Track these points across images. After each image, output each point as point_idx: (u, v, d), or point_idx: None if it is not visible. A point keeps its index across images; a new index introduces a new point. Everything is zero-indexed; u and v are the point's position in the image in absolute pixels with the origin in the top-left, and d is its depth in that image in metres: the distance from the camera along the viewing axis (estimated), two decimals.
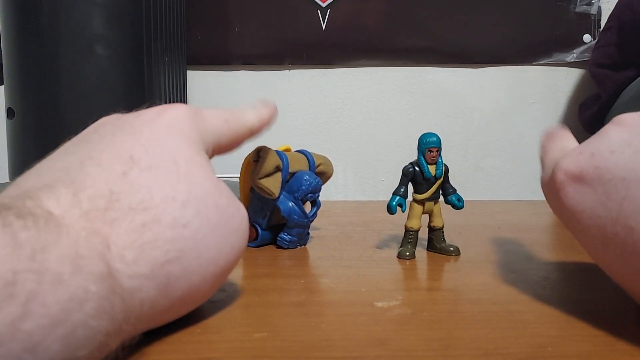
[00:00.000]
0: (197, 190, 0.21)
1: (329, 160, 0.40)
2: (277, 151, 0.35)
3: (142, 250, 0.18)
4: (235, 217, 0.23)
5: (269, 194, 0.34)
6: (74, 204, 0.17)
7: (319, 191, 0.36)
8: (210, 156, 0.25)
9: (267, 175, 0.34)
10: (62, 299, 0.15)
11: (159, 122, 0.22)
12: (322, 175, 0.39)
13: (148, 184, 0.19)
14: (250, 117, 0.28)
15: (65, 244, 0.16)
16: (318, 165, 0.38)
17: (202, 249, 0.20)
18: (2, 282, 0.14)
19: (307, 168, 0.37)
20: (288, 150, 0.38)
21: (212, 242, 0.21)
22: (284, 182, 0.35)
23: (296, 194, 0.35)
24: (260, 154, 0.34)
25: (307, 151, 0.38)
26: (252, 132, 0.28)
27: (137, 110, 0.24)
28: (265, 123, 0.28)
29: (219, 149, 0.25)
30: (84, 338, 0.16)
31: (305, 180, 0.35)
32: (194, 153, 0.22)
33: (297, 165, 0.36)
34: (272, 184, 0.34)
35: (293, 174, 0.36)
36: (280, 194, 0.35)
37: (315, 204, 0.37)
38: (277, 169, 0.35)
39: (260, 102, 0.29)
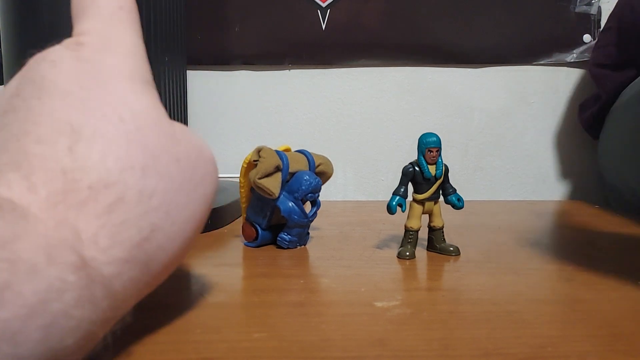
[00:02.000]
0: (153, 149, 0.18)
1: (329, 160, 0.40)
2: (277, 151, 0.35)
3: (114, 233, 0.17)
4: (200, 163, 0.20)
5: (269, 194, 0.34)
6: (30, 190, 0.16)
7: (319, 191, 0.36)
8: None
9: (267, 175, 0.34)
10: (39, 289, 0.14)
11: (82, 68, 0.19)
12: (322, 175, 0.39)
13: (99, 156, 0.17)
14: None
15: (35, 234, 0.15)
16: (318, 165, 0.38)
17: (174, 213, 0.19)
18: None
19: (307, 168, 0.37)
20: (288, 150, 0.38)
21: (183, 201, 0.19)
22: (284, 182, 0.35)
23: (296, 194, 0.35)
24: (260, 154, 0.34)
25: (307, 151, 0.38)
26: None
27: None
28: None
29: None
30: (68, 327, 0.15)
31: (305, 180, 0.35)
32: (137, 95, 0.19)
33: (297, 165, 0.36)
34: (272, 184, 0.34)
35: (293, 174, 0.36)
36: (280, 193, 0.35)
37: (315, 204, 0.37)
38: (277, 169, 0.35)
39: None
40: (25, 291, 0.14)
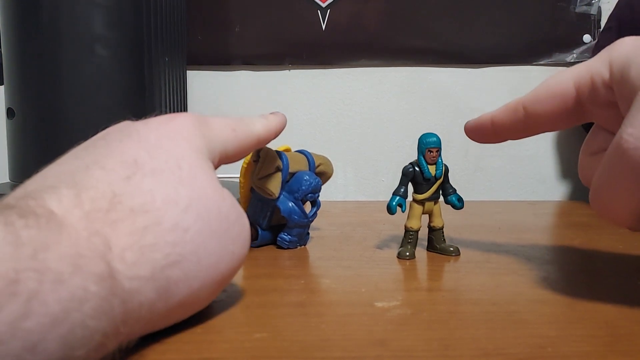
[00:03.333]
0: (200, 196, 0.21)
1: (329, 160, 0.40)
2: (277, 151, 0.35)
3: (142, 252, 0.18)
4: (237, 224, 0.23)
5: (269, 194, 0.34)
6: (76, 205, 0.18)
7: (319, 191, 0.36)
8: (217, 165, 0.25)
9: (267, 176, 0.34)
10: (63, 299, 0.15)
11: (165, 129, 0.23)
12: (322, 175, 0.39)
13: (151, 187, 0.20)
14: (259, 126, 0.28)
15: (66, 243, 0.16)
16: (318, 166, 0.38)
17: (203, 254, 0.21)
18: (5, 282, 0.14)
19: (307, 168, 0.37)
20: (288, 150, 0.38)
21: (213, 247, 0.21)
22: (284, 183, 0.35)
23: (296, 194, 0.35)
24: (260, 154, 0.34)
25: (307, 151, 0.38)
26: (260, 142, 0.28)
27: (144, 117, 0.24)
28: (274, 133, 0.29)
29: (226, 158, 0.26)
30: (82, 338, 0.16)
31: (305, 180, 0.35)
32: (199, 159, 0.22)
33: (297, 165, 0.36)
34: (273, 184, 0.34)
35: (293, 174, 0.36)
36: (280, 194, 0.35)
37: (315, 204, 0.37)
38: (277, 169, 0.35)
39: (271, 113, 0.29)
40: (50, 300, 0.14)
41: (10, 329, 0.14)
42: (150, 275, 0.18)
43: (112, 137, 0.22)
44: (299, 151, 0.38)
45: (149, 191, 0.20)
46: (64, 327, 0.15)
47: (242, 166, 0.36)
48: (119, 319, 0.17)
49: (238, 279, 0.29)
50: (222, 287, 0.23)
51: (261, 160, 0.34)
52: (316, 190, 0.36)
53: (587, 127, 0.74)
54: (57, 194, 0.18)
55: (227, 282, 0.23)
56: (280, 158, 0.35)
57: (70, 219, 0.17)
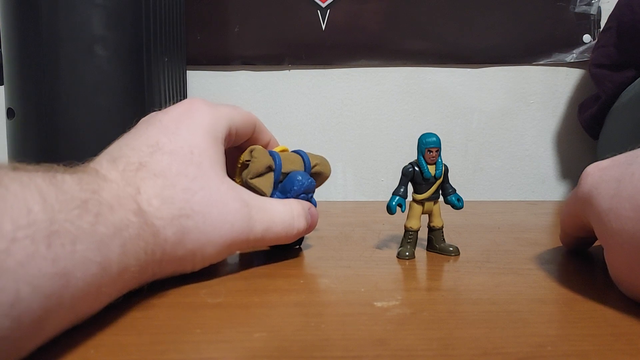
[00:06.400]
0: (203, 174, 0.27)
1: (326, 161, 0.39)
2: (270, 151, 0.35)
3: (164, 201, 0.25)
4: (234, 203, 0.28)
5: (260, 194, 0.34)
6: (113, 167, 0.25)
7: (313, 192, 0.36)
8: (230, 138, 0.32)
9: (259, 175, 0.34)
10: (116, 220, 0.21)
11: (183, 118, 0.29)
12: (319, 175, 0.38)
13: (168, 162, 0.27)
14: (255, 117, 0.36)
15: (109, 188, 0.23)
16: (314, 166, 0.38)
17: (207, 215, 0.27)
18: (77, 202, 0.20)
19: (302, 168, 0.37)
20: (285, 150, 0.38)
21: (215, 214, 0.27)
22: (277, 183, 0.35)
23: (289, 195, 0.35)
24: (252, 154, 0.34)
25: (303, 151, 0.38)
26: (256, 122, 0.35)
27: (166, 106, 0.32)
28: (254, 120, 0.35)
29: (235, 130, 0.32)
30: (132, 252, 0.22)
31: (297, 180, 0.35)
32: (209, 146, 0.29)
33: (291, 165, 0.36)
34: (264, 184, 0.34)
35: (287, 174, 0.36)
36: (273, 194, 0.35)
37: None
38: (269, 169, 0.34)
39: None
40: (109, 219, 0.21)
41: (91, 229, 0.20)
42: (170, 220, 0.25)
43: (140, 127, 0.29)
44: (296, 151, 0.38)
45: (167, 164, 0.26)
46: (120, 239, 0.21)
47: (237, 167, 0.36)
48: (150, 247, 0.24)
49: (238, 278, 0.30)
50: (225, 253, 0.29)
51: (253, 160, 0.34)
52: (309, 190, 0.35)
53: (587, 127, 0.74)
54: (99, 163, 0.26)
55: (231, 251, 0.29)
56: (273, 158, 0.35)
57: (110, 175, 0.24)
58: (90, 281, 0.19)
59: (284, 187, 0.35)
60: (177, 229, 0.25)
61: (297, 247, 0.37)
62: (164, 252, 0.25)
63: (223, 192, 0.28)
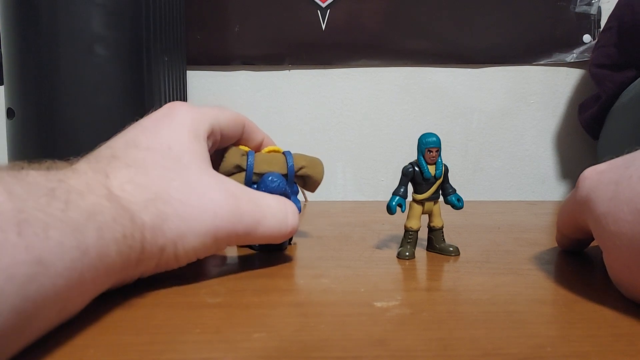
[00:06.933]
0: (183, 166, 0.27)
1: (319, 163, 0.37)
2: (249, 152, 0.34)
3: (136, 186, 0.25)
4: (214, 192, 0.27)
5: None
6: (84, 162, 0.25)
7: (284, 194, 0.34)
8: (213, 138, 0.31)
9: (228, 175, 0.33)
10: (88, 205, 0.21)
11: (163, 119, 0.29)
12: (307, 179, 0.37)
13: (143, 156, 0.26)
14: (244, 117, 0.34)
15: (76, 177, 0.23)
16: (300, 169, 0.36)
17: (187, 202, 0.26)
18: (44, 190, 0.20)
19: (283, 170, 0.35)
20: (278, 151, 0.37)
21: (195, 201, 0.26)
22: (250, 183, 0.34)
23: None
24: (224, 153, 0.34)
25: (289, 153, 0.36)
26: (244, 120, 0.34)
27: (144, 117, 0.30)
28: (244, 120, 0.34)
29: (219, 129, 0.31)
30: (110, 237, 0.22)
31: (269, 181, 0.33)
32: (190, 142, 0.28)
33: (267, 166, 0.35)
34: None
35: (261, 174, 0.34)
36: None
37: None
38: (239, 169, 0.34)
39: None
40: (80, 205, 0.21)
41: (62, 215, 0.20)
42: (144, 204, 0.24)
43: (124, 131, 0.29)
44: (285, 152, 0.37)
45: (141, 158, 0.26)
46: (95, 222, 0.21)
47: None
48: (129, 229, 0.23)
49: (237, 278, 0.30)
50: (212, 245, 0.27)
51: (223, 159, 0.33)
52: (276, 192, 0.33)
53: (587, 127, 0.74)
54: (74, 161, 0.25)
55: (218, 244, 0.28)
56: (247, 158, 0.34)
57: (79, 167, 0.24)
58: (69, 266, 0.19)
59: (257, 188, 0.34)
60: (154, 215, 0.25)
61: (280, 250, 0.36)
62: (143, 238, 0.24)
63: (204, 182, 0.27)
